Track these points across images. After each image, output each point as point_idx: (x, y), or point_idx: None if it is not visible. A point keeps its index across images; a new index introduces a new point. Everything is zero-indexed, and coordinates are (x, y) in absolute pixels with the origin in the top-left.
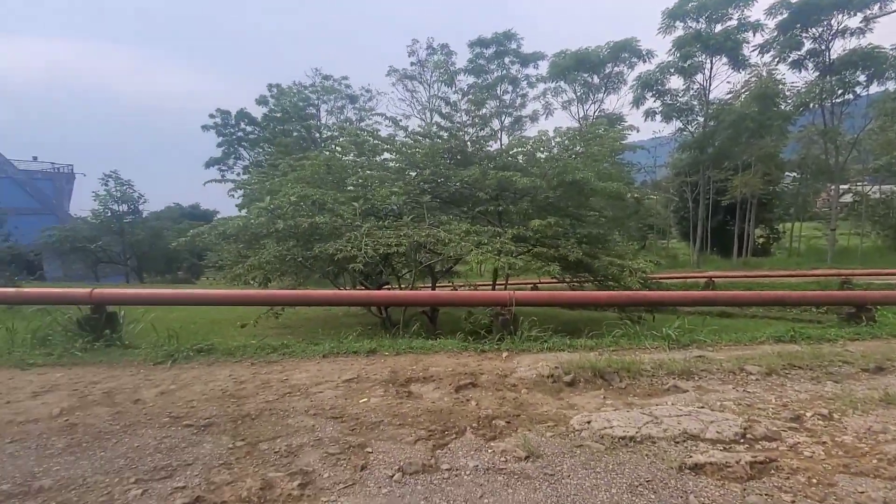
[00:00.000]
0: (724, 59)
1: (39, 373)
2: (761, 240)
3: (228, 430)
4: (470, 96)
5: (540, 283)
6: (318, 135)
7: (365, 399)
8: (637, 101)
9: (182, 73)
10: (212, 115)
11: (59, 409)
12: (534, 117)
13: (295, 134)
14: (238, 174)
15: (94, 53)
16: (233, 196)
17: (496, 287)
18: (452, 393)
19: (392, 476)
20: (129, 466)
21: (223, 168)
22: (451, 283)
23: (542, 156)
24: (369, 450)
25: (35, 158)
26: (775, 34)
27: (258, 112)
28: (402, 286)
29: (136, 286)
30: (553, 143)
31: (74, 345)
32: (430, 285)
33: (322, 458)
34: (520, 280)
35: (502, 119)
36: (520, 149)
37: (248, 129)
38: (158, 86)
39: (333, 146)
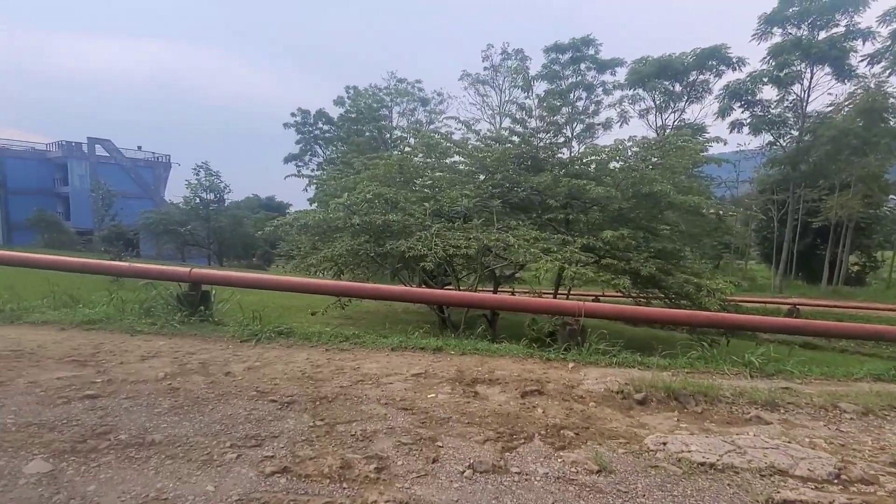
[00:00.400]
0: (827, 69)
1: (145, 339)
2: (856, 268)
3: (308, 409)
4: (545, 102)
5: (603, 295)
6: (388, 135)
7: (433, 394)
8: (723, 112)
9: (261, 76)
10: (293, 114)
11: (163, 373)
12: (607, 125)
13: (367, 134)
14: (312, 170)
15: (189, 55)
16: (306, 190)
17: (557, 296)
18: (518, 398)
19: (463, 472)
20: (224, 432)
21: (299, 164)
22: (511, 289)
23: (616, 165)
24: (440, 444)
25: (139, 148)
26: (888, 43)
27: (335, 112)
28: (462, 288)
29: (216, 268)
30: (629, 153)
31: (174, 317)
32: (492, 289)
33: (395, 446)
34: (581, 291)
35: (573, 126)
36: (594, 157)
37: (325, 127)
38: (240, 87)
39: (404, 147)
